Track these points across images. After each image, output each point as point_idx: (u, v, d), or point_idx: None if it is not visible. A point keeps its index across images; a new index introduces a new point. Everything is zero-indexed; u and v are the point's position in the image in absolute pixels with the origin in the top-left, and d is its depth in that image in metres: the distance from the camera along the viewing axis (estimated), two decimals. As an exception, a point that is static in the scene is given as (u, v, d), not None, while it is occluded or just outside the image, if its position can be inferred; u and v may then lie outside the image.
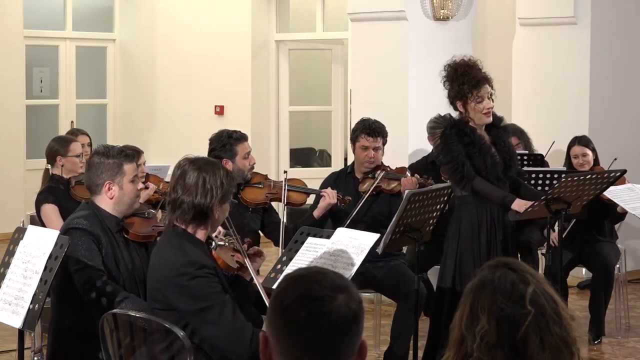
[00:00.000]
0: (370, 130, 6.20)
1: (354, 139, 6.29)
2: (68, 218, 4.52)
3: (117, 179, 4.45)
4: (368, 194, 6.15)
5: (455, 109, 5.61)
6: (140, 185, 4.60)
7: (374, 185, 6.17)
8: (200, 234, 3.94)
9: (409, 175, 6.26)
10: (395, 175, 6.27)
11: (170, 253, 3.86)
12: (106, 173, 4.45)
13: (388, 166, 6.31)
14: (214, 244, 4.11)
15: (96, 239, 4.35)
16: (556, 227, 5.99)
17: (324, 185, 6.31)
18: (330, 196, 6.02)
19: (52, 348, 4.48)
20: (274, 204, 6.20)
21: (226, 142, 5.81)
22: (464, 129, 5.53)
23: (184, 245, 3.86)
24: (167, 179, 6.41)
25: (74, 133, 7.03)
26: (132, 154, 4.59)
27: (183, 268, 3.79)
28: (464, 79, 5.52)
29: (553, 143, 8.02)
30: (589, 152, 7.02)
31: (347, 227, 5.65)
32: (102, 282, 4.27)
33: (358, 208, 6.10)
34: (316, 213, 6.01)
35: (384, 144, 6.28)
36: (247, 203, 5.90)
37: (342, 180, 6.39)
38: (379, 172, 6.23)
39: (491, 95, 5.56)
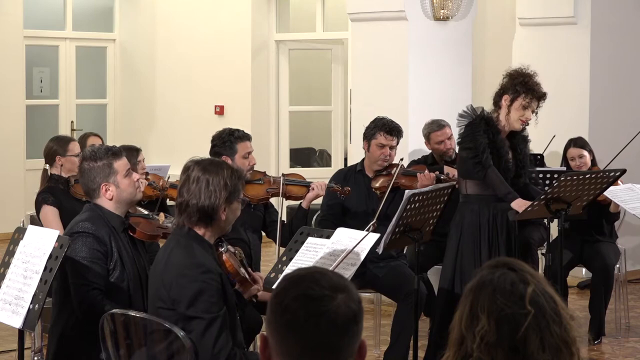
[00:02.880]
0: (389, 129, 6.21)
1: (369, 136, 6.26)
2: (72, 221, 4.50)
3: (111, 179, 4.45)
4: (388, 191, 6.11)
5: (497, 103, 5.68)
6: (137, 176, 4.57)
7: (393, 181, 6.14)
8: (209, 236, 3.95)
9: (427, 172, 6.25)
10: (412, 172, 6.26)
11: (178, 253, 3.87)
12: (99, 176, 4.44)
13: (402, 160, 6.28)
14: (225, 247, 4.11)
15: (102, 243, 4.35)
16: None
17: (332, 181, 6.28)
18: (319, 188, 5.99)
19: (53, 348, 4.47)
20: (275, 201, 6.19)
21: (227, 139, 5.80)
22: (492, 126, 5.60)
23: (192, 247, 3.87)
24: (167, 178, 6.41)
25: (87, 135, 6.92)
26: (118, 150, 4.56)
27: (188, 269, 3.79)
28: (527, 80, 5.61)
29: (553, 137, 7.99)
30: (586, 154, 7.00)
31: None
32: (98, 302, 4.28)
33: (381, 206, 5.99)
34: (304, 204, 5.98)
35: (397, 144, 6.28)
36: (250, 199, 5.91)
37: (351, 177, 6.36)
38: (395, 168, 6.22)
39: (536, 113, 5.66)
